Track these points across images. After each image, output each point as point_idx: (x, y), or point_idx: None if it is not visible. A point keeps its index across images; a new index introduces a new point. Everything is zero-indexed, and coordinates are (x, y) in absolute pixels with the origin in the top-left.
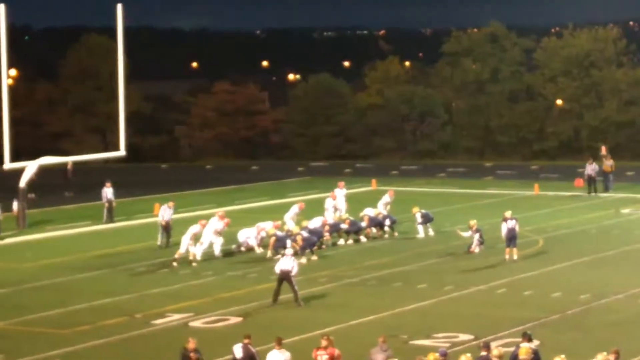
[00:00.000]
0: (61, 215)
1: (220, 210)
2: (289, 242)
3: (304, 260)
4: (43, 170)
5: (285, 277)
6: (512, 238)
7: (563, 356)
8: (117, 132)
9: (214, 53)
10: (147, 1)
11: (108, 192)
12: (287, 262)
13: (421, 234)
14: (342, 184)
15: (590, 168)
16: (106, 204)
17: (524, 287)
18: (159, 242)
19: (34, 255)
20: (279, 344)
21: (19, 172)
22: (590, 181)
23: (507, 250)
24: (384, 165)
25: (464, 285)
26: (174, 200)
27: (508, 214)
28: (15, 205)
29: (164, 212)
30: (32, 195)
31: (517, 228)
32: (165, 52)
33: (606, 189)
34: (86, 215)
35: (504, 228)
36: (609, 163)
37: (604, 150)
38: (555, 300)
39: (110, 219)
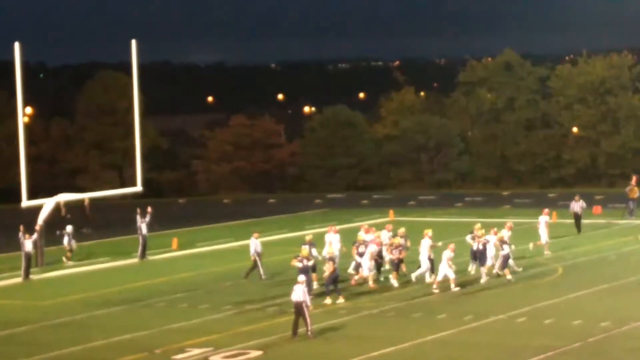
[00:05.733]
0: (79, 251)
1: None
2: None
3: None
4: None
5: (298, 307)
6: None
7: None
8: (134, 167)
9: (229, 87)
10: (162, 36)
11: (142, 227)
12: (299, 292)
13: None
14: (510, 225)
15: (578, 205)
16: (140, 239)
17: (544, 315)
18: (263, 276)
19: (53, 293)
20: None
21: (37, 210)
22: (577, 219)
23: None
24: (401, 195)
25: (484, 315)
26: (258, 231)
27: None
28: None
29: (256, 244)
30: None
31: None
32: (181, 87)
33: (630, 214)
34: (104, 251)
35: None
36: (636, 193)
37: (634, 180)
38: (576, 328)
39: (143, 255)
